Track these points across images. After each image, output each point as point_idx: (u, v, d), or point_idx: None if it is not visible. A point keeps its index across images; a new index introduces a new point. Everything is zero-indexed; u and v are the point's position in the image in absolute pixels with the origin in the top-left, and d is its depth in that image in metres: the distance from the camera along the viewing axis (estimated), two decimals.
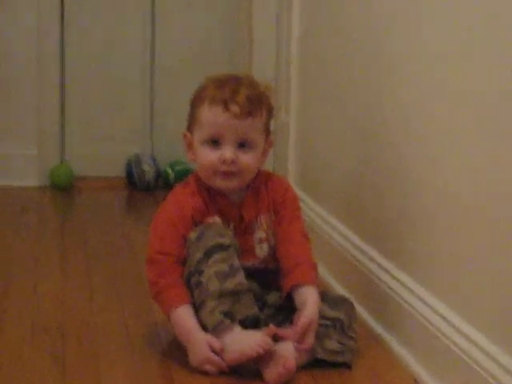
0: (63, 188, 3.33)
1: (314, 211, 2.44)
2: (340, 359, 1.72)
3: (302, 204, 2.51)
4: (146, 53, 3.45)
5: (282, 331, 1.68)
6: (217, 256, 1.68)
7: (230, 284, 1.66)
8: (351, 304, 1.81)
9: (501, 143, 1.43)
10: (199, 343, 1.67)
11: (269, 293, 1.80)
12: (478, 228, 1.51)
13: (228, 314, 1.65)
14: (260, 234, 1.80)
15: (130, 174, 3.35)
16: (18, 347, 1.77)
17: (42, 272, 2.30)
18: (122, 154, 3.40)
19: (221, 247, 1.69)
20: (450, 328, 1.58)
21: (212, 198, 1.79)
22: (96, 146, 3.44)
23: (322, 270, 2.28)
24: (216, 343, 1.66)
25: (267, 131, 1.80)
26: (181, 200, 1.79)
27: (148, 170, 3.33)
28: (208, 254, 1.69)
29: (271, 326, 1.66)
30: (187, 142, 1.81)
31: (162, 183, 3.33)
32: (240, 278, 1.68)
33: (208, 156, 1.75)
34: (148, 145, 3.47)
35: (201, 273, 1.68)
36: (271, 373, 1.63)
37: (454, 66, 1.60)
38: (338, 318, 1.75)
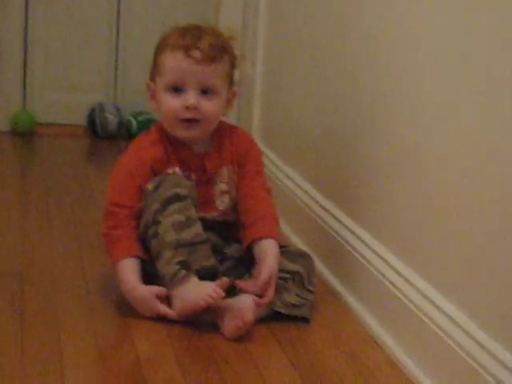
0: (24, 134, 3.29)
1: (277, 167, 2.44)
2: (297, 313, 1.74)
3: (265, 159, 2.51)
4: (113, 1, 3.40)
5: (242, 283, 1.69)
6: (174, 206, 1.67)
7: (186, 235, 1.66)
8: (311, 258, 1.82)
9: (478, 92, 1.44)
10: (141, 297, 1.67)
11: (229, 245, 1.80)
12: (439, 190, 1.52)
13: (184, 265, 1.65)
14: (221, 186, 1.80)
15: (92, 122, 3.32)
16: None
17: (1, 219, 2.28)
18: (85, 102, 3.37)
19: (178, 198, 1.68)
20: (404, 283, 1.60)
21: (174, 147, 1.78)
22: (59, 94, 3.40)
23: (284, 226, 2.29)
24: (162, 291, 1.67)
25: (230, 81, 1.79)
26: (140, 150, 1.77)
27: (111, 118, 3.30)
28: (165, 204, 1.68)
29: (224, 278, 1.66)
30: (151, 91, 1.80)
31: (125, 133, 3.31)
32: (197, 229, 1.68)
33: (171, 103, 1.74)
34: (112, 94, 3.44)
35: (158, 223, 1.68)
36: (228, 325, 1.64)
37: (428, 26, 1.60)
38: (297, 271, 1.76)
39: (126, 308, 1.73)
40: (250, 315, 1.63)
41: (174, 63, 1.73)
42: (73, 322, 1.67)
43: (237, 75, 1.83)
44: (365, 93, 1.85)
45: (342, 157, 1.97)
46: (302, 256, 1.81)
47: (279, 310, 1.72)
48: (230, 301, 1.66)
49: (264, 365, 1.55)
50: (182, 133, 1.76)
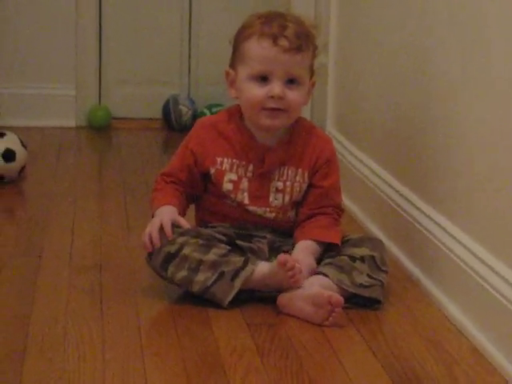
0: (101, 129, 3.34)
1: (351, 153, 2.42)
2: (366, 293, 1.70)
3: (339, 146, 2.50)
4: None
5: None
6: (170, 269, 1.70)
7: (200, 276, 1.68)
8: (379, 240, 1.81)
9: None
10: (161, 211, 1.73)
11: (287, 243, 1.79)
12: None
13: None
14: (278, 184, 1.78)
15: (167, 114, 3.34)
16: (56, 285, 1.79)
17: (79, 211, 2.32)
18: (159, 95, 3.40)
19: (170, 257, 1.69)
20: (487, 270, 1.57)
21: (236, 134, 1.77)
22: (134, 88, 3.44)
23: (360, 214, 2.27)
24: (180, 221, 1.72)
25: (312, 71, 1.77)
26: (194, 130, 1.82)
27: (185, 110, 3.32)
28: (164, 268, 1.70)
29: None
30: (230, 79, 1.77)
31: None
32: (204, 272, 1.68)
33: (255, 92, 1.72)
34: (186, 86, 3.46)
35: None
36: (318, 314, 1.63)
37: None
38: (366, 254, 1.73)
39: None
40: (337, 295, 1.62)
41: (261, 51, 1.70)
42: (152, 311, 1.68)
43: (315, 65, 1.81)
44: (436, 78, 1.82)
45: (416, 142, 1.94)
46: (369, 240, 1.80)
47: (347, 288, 1.69)
48: (299, 290, 1.66)
49: (343, 352, 1.54)
50: (265, 121, 1.73)
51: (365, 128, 2.36)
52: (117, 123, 3.38)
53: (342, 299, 1.62)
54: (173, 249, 1.69)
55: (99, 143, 3.25)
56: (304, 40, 1.71)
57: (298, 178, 1.78)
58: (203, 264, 1.67)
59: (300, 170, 1.78)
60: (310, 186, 1.80)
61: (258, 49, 1.70)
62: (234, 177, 1.77)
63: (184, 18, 3.43)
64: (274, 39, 1.69)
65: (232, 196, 1.77)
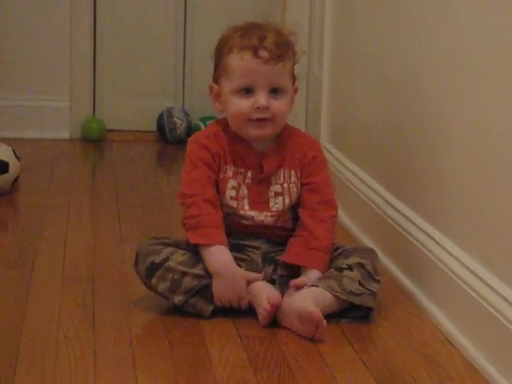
0: (95, 141, 3.34)
1: (345, 166, 2.42)
2: (357, 301, 1.70)
3: (333, 159, 2.50)
4: (180, 6, 3.43)
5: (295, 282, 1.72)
6: (154, 279, 1.71)
7: (178, 297, 1.70)
8: (371, 250, 1.81)
9: None
10: (233, 276, 1.69)
11: (281, 252, 1.78)
12: (508, 183, 1.49)
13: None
14: (276, 187, 1.79)
15: (161, 127, 3.35)
16: (48, 296, 1.79)
17: (72, 223, 2.31)
18: (153, 108, 3.40)
19: (155, 267, 1.71)
20: (480, 282, 1.57)
21: (232, 143, 1.77)
22: (128, 100, 3.44)
23: (353, 225, 2.27)
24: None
25: (293, 77, 1.78)
26: (196, 143, 1.78)
27: (179, 123, 3.33)
28: (148, 277, 1.72)
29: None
30: (214, 93, 1.79)
31: None
32: (185, 285, 1.69)
33: (240, 104, 1.73)
34: (180, 99, 3.46)
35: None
36: (304, 330, 1.63)
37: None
38: (354, 262, 1.73)
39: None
40: (317, 312, 1.61)
41: (243, 64, 1.72)
42: (144, 323, 1.68)
43: (296, 70, 1.81)
44: (428, 92, 1.83)
45: (409, 155, 1.95)
46: (361, 250, 1.80)
47: (338, 294, 1.68)
48: (288, 302, 1.66)
49: (335, 365, 1.53)
50: (253, 132, 1.75)
51: (359, 141, 2.37)
52: (111, 135, 3.38)
53: (321, 316, 1.61)
54: (157, 259, 1.70)
55: (93, 155, 3.24)
56: (284, 48, 1.73)
57: (292, 179, 1.79)
58: (188, 275, 1.69)
59: (293, 172, 1.79)
60: (302, 184, 1.80)
61: (240, 62, 1.72)
62: (235, 183, 1.77)
63: (178, 30, 3.44)
64: (254, 51, 1.71)
65: (234, 202, 1.77)
